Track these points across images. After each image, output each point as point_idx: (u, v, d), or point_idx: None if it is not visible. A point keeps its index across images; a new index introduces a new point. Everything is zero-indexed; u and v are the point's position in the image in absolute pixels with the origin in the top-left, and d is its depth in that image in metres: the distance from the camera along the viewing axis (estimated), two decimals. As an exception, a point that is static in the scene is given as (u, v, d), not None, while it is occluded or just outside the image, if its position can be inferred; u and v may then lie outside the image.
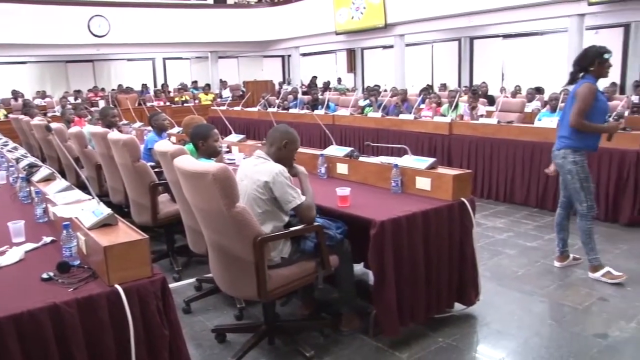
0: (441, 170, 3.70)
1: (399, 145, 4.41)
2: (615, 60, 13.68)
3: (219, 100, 16.25)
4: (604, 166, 5.67)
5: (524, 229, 5.65)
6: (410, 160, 3.87)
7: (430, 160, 3.78)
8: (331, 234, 3.20)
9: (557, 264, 4.58)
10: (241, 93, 17.57)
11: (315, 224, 3.08)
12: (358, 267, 4.02)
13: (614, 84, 12.29)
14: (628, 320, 3.58)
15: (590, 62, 4.09)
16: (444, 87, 15.93)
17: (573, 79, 4.21)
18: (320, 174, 4.43)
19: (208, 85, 18.17)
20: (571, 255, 4.62)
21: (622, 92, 12.44)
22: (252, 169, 3.10)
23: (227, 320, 3.71)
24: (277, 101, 12.75)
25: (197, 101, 16.13)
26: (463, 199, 3.50)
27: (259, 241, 2.76)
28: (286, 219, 3.09)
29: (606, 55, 4.08)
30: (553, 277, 4.36)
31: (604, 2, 10.06)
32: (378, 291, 3.18)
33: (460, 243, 3.53)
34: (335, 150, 4.57)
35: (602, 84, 9.89)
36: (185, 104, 14.98)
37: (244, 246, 2.79)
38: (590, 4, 10.23)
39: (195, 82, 19.41)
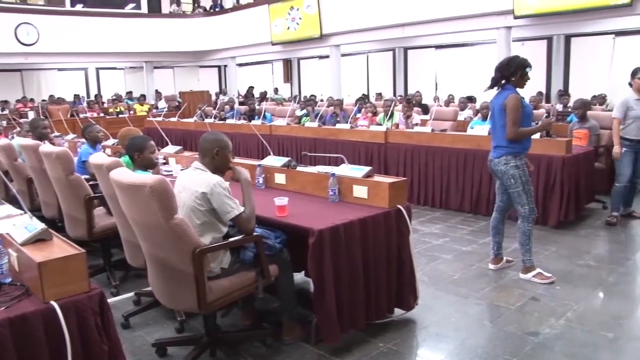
0: (377, 178, 3.77)
1: (336, 155, 4.47)
2: (540, 70, 14.41)
3: (154, 111, 15.99)
4: (533, 171, 5.89)
5: (459, 234, 5.81)
6: (347, 169, 3.93)
7: (367, 168, 3.85)
8: (270, 243, 3.21)
9: (491, 266, 4.73)
10: (177, 104, 17.35)
11: (255, 234, 3.09)
12: (298, 276, 4.05)
13: (540, 93, 12.86)
14: (557, 318, 3.75)
15: (514, 72, 4.29)
16: (379, 96, 16.21)
17: (495, 84, 4.39)
18: (258, 184, 4.44)
19: (143, 96, 17.87)
20: (505, 258, 4.79)
21: (548, 100, 13.01)
22: (190, 180, 3.08)
23: (167, 334, 3.66)
24: (214, 112, 12.64)
25: (132, 112, 15.80)
26: (399, 206, 3.58)
27: (198, 252, 2.75)
28: (225, 229, 3.09)
29: (528, 69, 4.31)
30: (488, 280, 4.51)
31: (528, 16, 10.55)
32: (318, 299, 3.21)
33: (397, 249, 3.61)
34: (273, 160, 4.59)
35: (528, 93, 10.39)
36: (120, 115, 14.67)
37: (183, 258, 2.77)
38: (515, 18, 10.69)
39: (130, 92, 19.06)
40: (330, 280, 3.19)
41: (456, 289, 4.34)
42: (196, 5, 20.64)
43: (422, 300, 3.84)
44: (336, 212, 3.51)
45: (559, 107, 10.99)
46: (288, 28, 15.43)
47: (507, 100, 4.25)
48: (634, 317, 3.86)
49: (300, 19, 15.00)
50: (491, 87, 4.44)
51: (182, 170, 4.92)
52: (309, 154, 5.62)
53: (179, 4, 19.96)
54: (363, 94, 16.57)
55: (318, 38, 14.69)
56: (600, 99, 11.03)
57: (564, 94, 12.26)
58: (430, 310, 3.89)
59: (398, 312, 3.75)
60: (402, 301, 3.72)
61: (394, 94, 16.76)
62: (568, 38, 14.00)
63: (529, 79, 4.37)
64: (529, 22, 10.86)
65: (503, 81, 4.35)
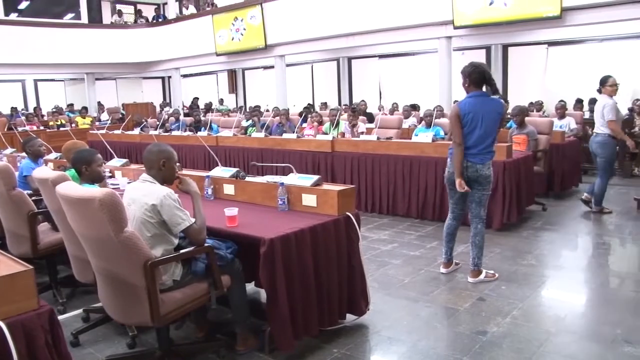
0: (326, 186, 3.83)
1: (284, 164, 4.51)
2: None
3: (97, 123, 15.63)
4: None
5: (407, 239, 5.93)
6: (295, 179, 3.97)
7: (315, 177, 3.90)
8: (222, 254, 3.22)
9: (443, 270, 4.85)
10: (121, 116, 17.03)
11: (206, 244, 3.10)
12: (249, 287, 4.05)
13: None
14: (504, 316, 3.89)
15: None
16: (324, 106, 16.35)
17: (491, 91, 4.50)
18: (207, 195, 4.43)
19: (85, 109, 17.42)
20: (454, 261, 4.93)
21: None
22: (139, 192, 3.06)
23: (119, 350, 3.60)
24: (157, 123, 12.45)
25: (73, 125, 15.42)
26: (348, 213, 3.64)
27: (149, 265, 2.73)
28: (176, 241, 3.08)
29: None
30: (437, 283, 4.63)
31: (467, 26, 10.90)
32: (271, 308, 3.22)
33: (348, 256, 3.66)
34: (221, 171, 4.59)
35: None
36: (61, 128, 14.28)
37: (135, 271, 2.75)
38: (455, 28, 11.02)
39: (71, 105, 18.55)
40: (283, 288, 3.21)
41: (406, 293, 4.43)
42: (138, 16, 20.34)
43: (374, 305, 3.91)
44: (286, 221, 3.53)
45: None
46: (232, 39, 15.40)
47: (504, 108, 4.53)
48: (573, 312, 4.03)
49: (244, 29, 15.00)
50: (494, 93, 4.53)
51: (129, 183, 4.87)
52: (257, 164, 5.61)
53: (120, 14, 19.62)
54: (308, 104, 16.68)
55: (263, 48, 14.73)
56: (538, 106, 11.46)
57: (503, 100, 12.63)
58: (381, 315, 3.96)
59: (350, 317, 3.80)
60: (354, 307, 3.78)
61: (339, 103, 16.93)
62: (505, 47, 14.50)
63: None
64: (468, 32, 11.21)
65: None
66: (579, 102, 11.06)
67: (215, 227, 3.46)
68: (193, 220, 3.06)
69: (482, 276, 4.60)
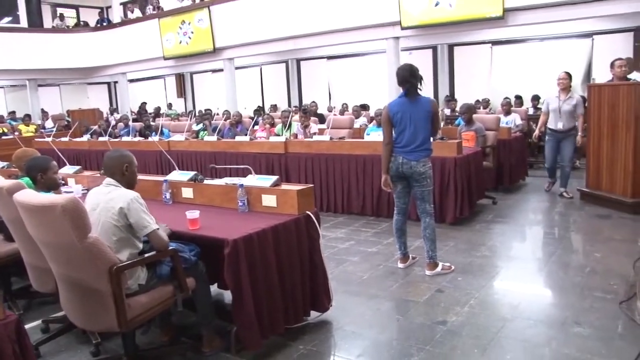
0: (285, 186, 3.88)
1: (242, 166, 4.54)
2: (428, 77, 15.12)
3: (42, 131, 15.19)
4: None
5: (363, 237, 6.03)
6: (254, 180, 4.00)
7: (274, 177, 3.95)
8: (186, 256, 3.24)
9: (400, 265, 4.96)
10: (66, 123, 16.61)
11: (170, 248, 3.11)
12: (212, 288, 4.06)
13: (428, 98, 13.48)
14: (462, 306, 4.02)
15: (420, 80, 4.61)
16: (274, 108, 16.36)
17: (416, 90, 4.62)
18: (165, 199, 4.42)
19: (28, 116, 16.88)
20: (410, 256, 5.04)
21: (436, 105, 13.64)
22: (105, 197, 3.05)
23: (82, 359, 3.56)
24: (99, 130, 12.19)
25: (17, 133, 14.95)
26: (308, 212, 3.71)
27: (115, 270, 2.73)
28: (140, 245, 3.08)
29: None
30: (395, 277, 4.73)
31: (414, 27, 11.13)
32: (237, 308, 3.25)
33: (309, 253, 3.73)
34: (179, 175, 4.58)
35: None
36: (4, 137, 13.85)
37: (100, 277, 2.74)
38: (402, 29, 11.23)
39: (13, 112, 17.94)
40: (248, 288, 3.24)
41: (366, 289, 4.52)
42: (79, 19, 19.86)
43: (335, 301, 3.98)
44: (248, 222, 3.57)
45: (447, 111, 11.63)
46: (180, 42, 15.26)
47: (433, 105, 4.64)
48: (526, 299, 4.18)
49: (192, 32, 14.88)
50: (411, 93, 4.61)
51: (83, 190, 4.81)
52: (216, 166, 5.61)
53: (62, 18, 19.10)
54: (258, 106, 16.67)
55: (211, 52, 14.64)
56: (484, 103, 11.77)
57: (451, 99, 12.97)
58: (344, 311, 4.03)
59: (314, 314, 3.87)
60: (317, 303, 3.84)
61: (289, 105, 16.97)
62: (451, 47, 14.83)
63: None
64: (414, 32, 11.42)
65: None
66: (517, 99, 11.40)
67: (177, 230, 3.47)
68: (158, 226, 3.06)
69: (438, 269, 4.73)
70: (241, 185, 3.92)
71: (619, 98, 6.53)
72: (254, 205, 3.92)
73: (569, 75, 7.34)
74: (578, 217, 6.59)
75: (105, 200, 3.03)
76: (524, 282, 4.62)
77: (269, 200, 3.82)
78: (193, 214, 3.52)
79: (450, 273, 4.71)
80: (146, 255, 3.05)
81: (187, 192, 4.40)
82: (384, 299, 4.30)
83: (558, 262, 5.01)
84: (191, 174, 4.50)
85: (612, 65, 6.86)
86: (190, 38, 14.99)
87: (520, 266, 4.98)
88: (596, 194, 6.98)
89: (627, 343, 3.36)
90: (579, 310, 3.89)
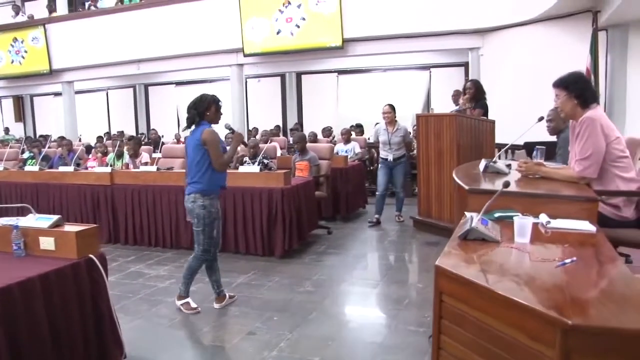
0: (67, 227, 3.44)
1: (21, 205, 4.02)
2: (276, 105, 15.19)
3: None
4: (256, 204, 6.02)
5: (186, 274, 5.66)
6: (33, 220, 3.53)
7: (55, 217, 3.50)
8: None
9: (216, 305, 4.65)
10: None
11: None
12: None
13: (277, 126, 13.49)
14: (271, 350, 3.78)
15: (207, 108, 4.37)
16: (121, 134, 15.54)
17: (192, 122, 4.41)
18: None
19: None
20: (227, 295, 4.75)
21: (285, 134, 13.64)
22: None
23: None
24: None
25: None
26: (91, 255, 3.31)
27: None
28: None
29: (221, 103, 4.46)
30: (207, 319, 4.41)
31: (256, 54, 11.09)
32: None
33: (93, 302, 3.31)
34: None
35: (268, 125, 10.94)
36: None
37: None
38: (245, 56, 11.14)
39: None
40: (5, 348, 2.76)
41: (176, 332, 4.20)
42: None
43: (135, 351, 3.63)
44: (17, 269, 3.08)
45: (291, 139, 11.58)
46: (12, 62, 14.19)
47: (204, 135, 4.27)
48: (339, 337, 4.02)
49: (25, 52, 13.91)
50: (189, 126, 4.45)
51: None
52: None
53: None
54: (105, 133, 15.77)
55: (48, 74, 13.69)
56: (327, 132, 11.88)
57: (299, 127, 12.99)
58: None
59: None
60: (107, 355, 3.41)
61: (136, 132, 16.25)
62: (299, 75, 14.90)
63: (221, 114, 4.48)
64: (258, 59, 11.40)
65: (198, 118, 4.37)
66: (358, 127, 11.62)
67: None
68: None
69: (179, 303, 4.60)
70: (16, 227, 3.43)
71: (443, 128, 6.75)
72: (31, 248, 3.43)
73: (392, 108, 7.54)
74: (408, 245, 6.69)
75: None
76: (339, 319, 4.45)
77: (47, 243, 3.36)
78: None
79: (193, 311, 4.53)
80: None
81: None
82: (191, 344, 4.00)
83: (380, 295, 4.97)
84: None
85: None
86: (23, 57, 14.01)
87: (340, 301, 4.87)
88: (427, 221, 7.15)
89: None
90: (389, 347, 3.79)
